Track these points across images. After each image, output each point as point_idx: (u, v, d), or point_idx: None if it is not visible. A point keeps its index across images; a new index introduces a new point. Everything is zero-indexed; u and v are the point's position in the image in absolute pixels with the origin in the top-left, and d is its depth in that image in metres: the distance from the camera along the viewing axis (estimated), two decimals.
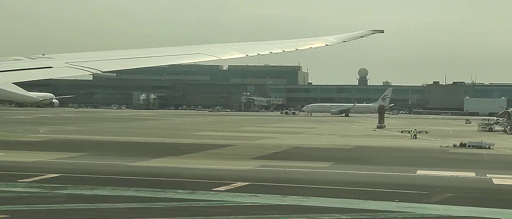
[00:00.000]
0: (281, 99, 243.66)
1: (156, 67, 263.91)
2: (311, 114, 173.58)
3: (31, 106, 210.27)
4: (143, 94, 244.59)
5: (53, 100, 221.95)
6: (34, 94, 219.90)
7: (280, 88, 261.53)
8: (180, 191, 24.38)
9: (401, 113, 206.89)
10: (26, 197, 22.52)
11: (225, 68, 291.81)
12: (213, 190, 24.89)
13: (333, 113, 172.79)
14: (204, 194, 23.92)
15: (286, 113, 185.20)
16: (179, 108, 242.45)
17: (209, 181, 27.78)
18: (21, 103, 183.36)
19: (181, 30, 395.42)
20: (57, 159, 36.15)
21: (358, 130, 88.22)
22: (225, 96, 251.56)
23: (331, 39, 19.07)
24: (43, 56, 14.45)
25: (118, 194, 23.57)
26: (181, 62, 16.38)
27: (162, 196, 23.21)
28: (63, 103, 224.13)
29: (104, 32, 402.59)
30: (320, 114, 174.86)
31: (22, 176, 27.71)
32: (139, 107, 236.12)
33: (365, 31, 19.87)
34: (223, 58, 16.34)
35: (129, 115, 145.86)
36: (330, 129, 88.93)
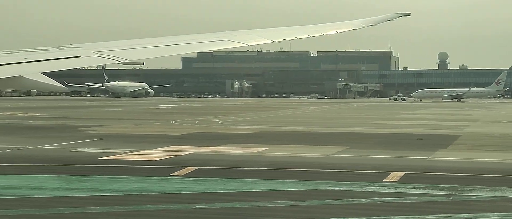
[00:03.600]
0: (378, 85, 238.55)
1: (245, 54, 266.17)
2: (421, 100, 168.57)
3: (125, 96, 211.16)
4: (237, 82, 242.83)
5: (149, 90, 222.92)
6: (127, 84, 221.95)
7: (373, 74, 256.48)
8: None
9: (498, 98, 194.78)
10: (445, 202, 19.48)
11: (314, 54, 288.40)
12: None
13: (445, 98, 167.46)
14: None
15: (395, 99, 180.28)
16: (271, 95, 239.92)
17: None
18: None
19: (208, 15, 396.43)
20: (338, 154, 33.24)
21: None
22: (317, 82, 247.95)
23: (357, 23, 18.16)
24: (71, 45, 14.02)
25: None
26: (208, 49, 15.92)
27: None
28: (155, 93, 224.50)
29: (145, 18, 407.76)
30: (430, 99, 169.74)
31: (369, 176, 24.78)
32: (232, 95, 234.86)
33: (392, 14, 18.83)
34: (249, 44, 15.73)
35: (243, 103, 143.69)
36: (488, 115, 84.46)
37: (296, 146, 37.45)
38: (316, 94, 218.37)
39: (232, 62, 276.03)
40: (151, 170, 26.39)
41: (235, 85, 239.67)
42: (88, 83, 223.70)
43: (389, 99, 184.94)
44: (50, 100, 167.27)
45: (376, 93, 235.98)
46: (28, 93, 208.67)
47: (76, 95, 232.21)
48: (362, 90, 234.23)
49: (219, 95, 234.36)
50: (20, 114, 78.26)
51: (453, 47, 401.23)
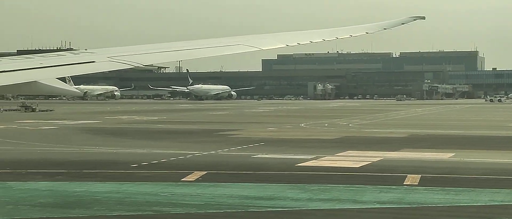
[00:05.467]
0: (466, 86, 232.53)
1: (325, 56, 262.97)
2: None
3: (207, 99, 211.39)
4: (319, 84, 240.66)
5: (232, 92, 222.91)
6: (211, 87, 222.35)
7: (459, 74, 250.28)
8: None
9: None
10: None
11: (396, 55, 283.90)
12: None
13: None
14: None
15: (491, 100, 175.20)
16: (354, 97, 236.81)
17: None
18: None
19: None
20: None
21: None
22: (401, 84, 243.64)
23: (372, 27, 17.89)
24: (86, 51, 14.45)
25: None
26: (223, 54, 15.57)
27: None
28: (237, 95, 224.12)
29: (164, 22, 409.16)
30: None
31: None
32: (315, 97, 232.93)
33: (406, 18, 18.25)
34: (264, 48, 15.64)
35: (338, 105, 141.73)
36: None
37: (483, 151, 35.41)
38: (404, 95, 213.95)
39: (313, 64, 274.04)
40: (374, 178, 24.71)
41: (318, 87, 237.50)
42: (172, 86, 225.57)
43: (485, 100, 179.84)
44: (139, 103, 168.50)
45: (463, 95, 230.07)
46: (112, 96, 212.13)
47: (158, 98, 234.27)
48: (450, 92, 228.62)
49: (302, 97, 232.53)
50: (136, 118, 78.22)
51: None
